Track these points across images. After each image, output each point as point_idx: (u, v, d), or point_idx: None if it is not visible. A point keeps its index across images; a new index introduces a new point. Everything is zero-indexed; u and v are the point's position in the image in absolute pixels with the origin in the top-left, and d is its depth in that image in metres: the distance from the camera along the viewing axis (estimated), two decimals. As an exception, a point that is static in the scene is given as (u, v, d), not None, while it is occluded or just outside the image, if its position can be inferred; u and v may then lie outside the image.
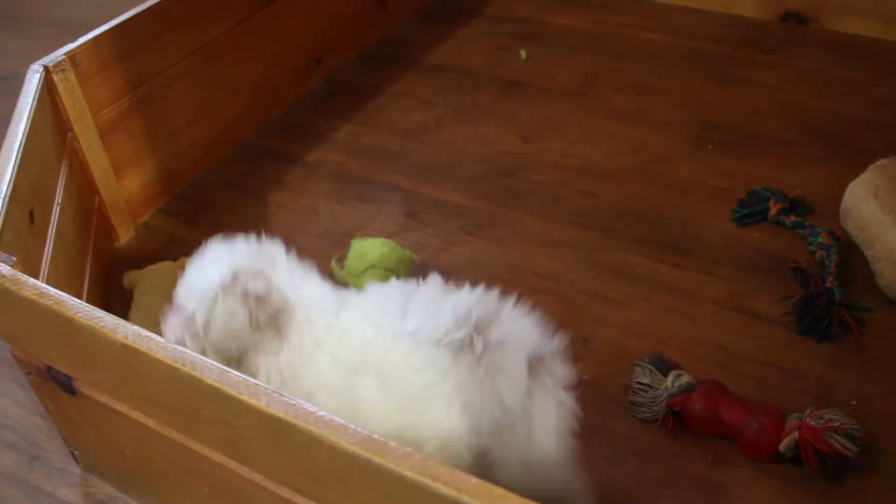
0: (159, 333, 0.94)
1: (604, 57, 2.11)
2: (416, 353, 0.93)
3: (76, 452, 1.28)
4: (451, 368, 0.91)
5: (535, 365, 0.93)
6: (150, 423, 1.00)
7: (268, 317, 1.02)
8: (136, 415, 1.02)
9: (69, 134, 1.52)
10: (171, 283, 1.12)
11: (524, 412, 0.93)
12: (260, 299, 1.02)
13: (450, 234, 1.62)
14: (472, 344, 0.91)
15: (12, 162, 1.21)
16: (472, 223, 1.64)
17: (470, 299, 0.95)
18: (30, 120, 1.32)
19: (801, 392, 1.27)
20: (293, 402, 0.78)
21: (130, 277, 1.52)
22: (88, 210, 1.55)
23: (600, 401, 1.29)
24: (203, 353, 1.03)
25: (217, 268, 1.05)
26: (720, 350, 1.35)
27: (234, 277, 1.03)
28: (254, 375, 1.01)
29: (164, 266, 1.52)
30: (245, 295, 1.02)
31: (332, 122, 1.98)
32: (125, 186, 1.66)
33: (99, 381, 1.04)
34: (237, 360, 1.04)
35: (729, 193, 1.64)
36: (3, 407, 1.41)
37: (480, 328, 0.92)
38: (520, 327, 0.95)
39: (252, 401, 0.80)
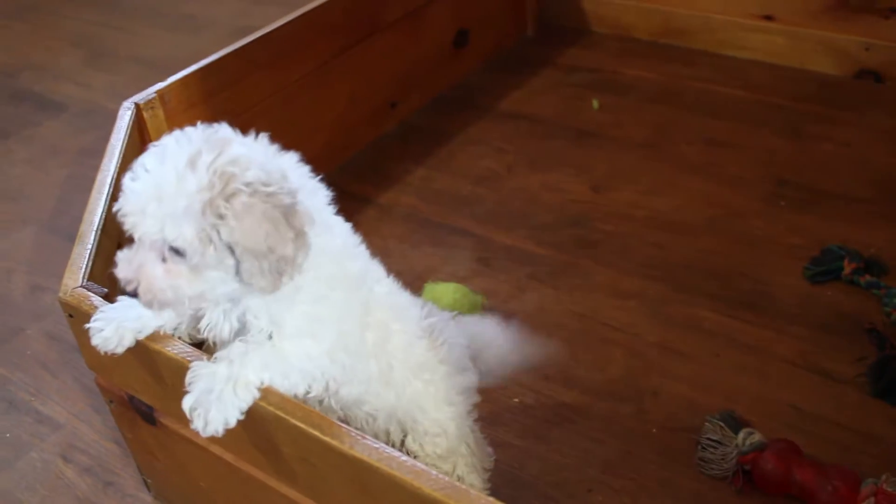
0: None
1: (676, 109, 2.12)
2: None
3: (149, 481, 1.31)
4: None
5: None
6: (229, 457, 1.02)
7: (291, 198, 0.87)
8: (215, 448, 1.04)
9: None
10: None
11: None
12: (269, 184, 0.85)
13: (520, 282, 1.63)
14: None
15: (104, 195, 1.26)
16: (542, 271, 1.65)
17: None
18: (121, 155, 1.37)
19: (876, 456, 1.25)
20: (376, 445, 0.80)
21: None
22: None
23: (668, 455, 1.29)
24: (212, 292, 0.89)
25: (186, 176, 0.84)
26: (792, 409, 1.34)
27: (221, 174, 0.84)
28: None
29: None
30: (250, 186, 0.84)
31: (405, 165, 2.01)
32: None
33: (181, 413, 1.06)
34: (279, 274, 0.87)
35: (801, 251, 1.63)
36: (81, 432, 1.45)
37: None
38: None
39: (335, 442, 0.82)
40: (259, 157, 0.89)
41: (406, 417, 1.08)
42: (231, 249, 0.86)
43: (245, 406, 0.90)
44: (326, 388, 0.97)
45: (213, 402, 0.89)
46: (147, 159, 0.88)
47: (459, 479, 1.10)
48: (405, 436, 1.10)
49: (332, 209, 0.99)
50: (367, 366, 1.01)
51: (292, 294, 0.92)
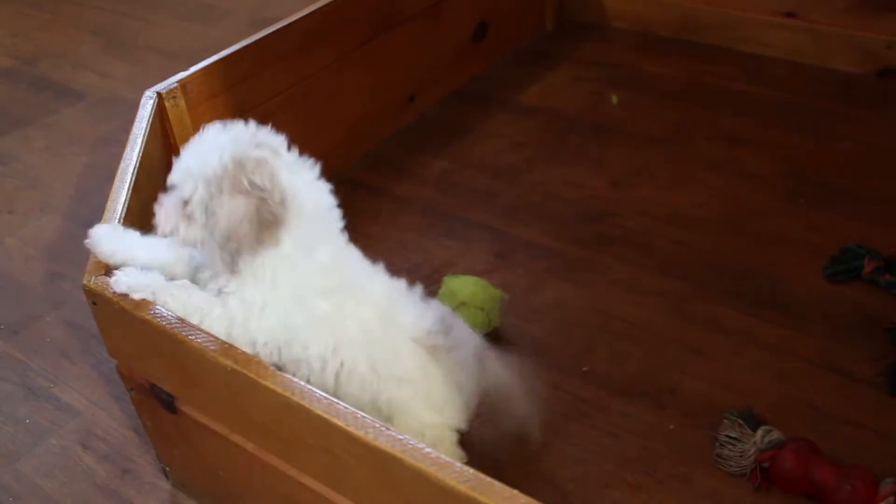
0: None
1: (696, 105, 2.11)
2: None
3: (168, 469, 1.31)
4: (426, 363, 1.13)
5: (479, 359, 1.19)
6: (250, 446, 1.03)
7: (272, 214, 1.01)
8: (235, 437, 1.05)
9: (175, 158, 1.57)
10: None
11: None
12: (265, 194, 1.00)
13: (538, 276, 1.63)
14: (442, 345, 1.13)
15: (127, 185, 1.27)
16: (560, 266, 1.65)
17: (441, 309, 1.18)
18: (143, 144, 1.37)
19: (894, 456, 1.24)
20: (401, 437, 0.80)
21: None
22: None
23: (686, 451, 1.29)
24: (198, 243, 1.04)
25: (217, 153, 1.02)
26: (810, 408, 1.33)
27: (238, 165, 1.01)
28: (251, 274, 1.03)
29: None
30: (251, 187, 1.00)
31: (423, 158, 2.01)
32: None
33: (202, 402, 1.07)
34: (232, 260, 1.02)
35: (821, 249, 1.62)
36: (99, 419, 1.46)
37: (447, 331, 1.14)
38: (467, 333, 1.19)
39: (359, 433, 0.82)
40: (280, 172, 1.02)
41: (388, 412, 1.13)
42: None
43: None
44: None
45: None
46: (208, 132, 1.06)
47: None
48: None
49: (340, 233, 1.11)
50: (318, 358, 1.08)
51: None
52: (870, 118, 2.00)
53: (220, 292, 1.06)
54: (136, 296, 1.06)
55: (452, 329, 1.16)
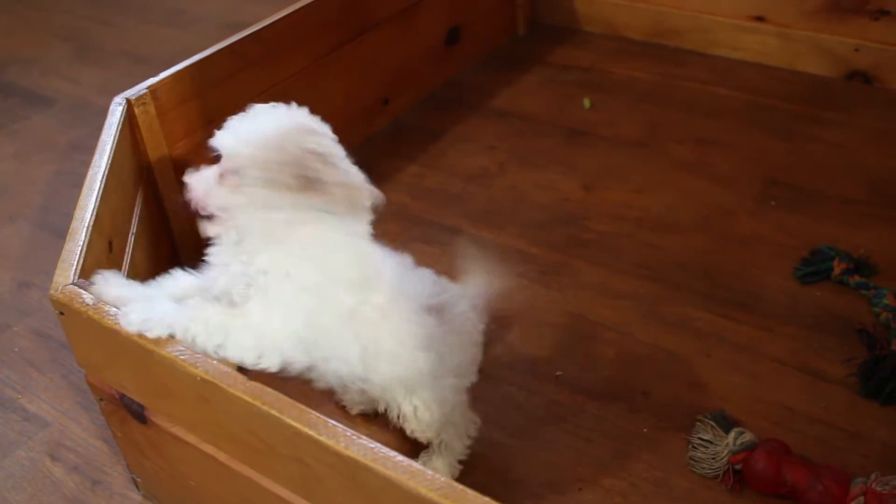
0: None
1: (667, 109, 2.12)
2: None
3: (138, 479, 1.30)
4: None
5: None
6: (221, 456, 1.02)
7: (315, 173, 1.03)
8: (206, 447, 1.04)
9: (144, 165, 1.56)
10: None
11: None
12: (313, 154, 1.05)
13: (511, 280, 1.63)
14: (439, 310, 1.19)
15: (95, 193, 1.25)
16: (533, 270, 1.65)
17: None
18: (112, 151, 1.36)
19: (865, 456, 1.25)
20: (372, 445, 0.79)
21: None
22: (159, 238, 1.59)
23: (659, 454, 1.29)
24: (231, 210, 1.04)
25: (274, 122, 1.07)
26: (782, 409, 1.34)
27: (296, 128, 1.07)
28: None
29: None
30: (302, 143, 1.05)
31: (396, 162, 2.01)
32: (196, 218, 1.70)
33: (172, 412, 1.06)
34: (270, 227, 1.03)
35: (792, 251, 1.64)
36: (68, 430, 1.44)
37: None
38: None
39: (330, 442, 0.82)
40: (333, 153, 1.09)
41: (407, 389, 1.15)
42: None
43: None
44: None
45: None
46: (257, 111, 1.11)
47: (445, 445, 1.23)
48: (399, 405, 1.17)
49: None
50: (346, 348, 1.07)
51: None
52: (839, 120, 2.02)
53: (234, 299, 1.03)
54: (152, 334, 0.98)
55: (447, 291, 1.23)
